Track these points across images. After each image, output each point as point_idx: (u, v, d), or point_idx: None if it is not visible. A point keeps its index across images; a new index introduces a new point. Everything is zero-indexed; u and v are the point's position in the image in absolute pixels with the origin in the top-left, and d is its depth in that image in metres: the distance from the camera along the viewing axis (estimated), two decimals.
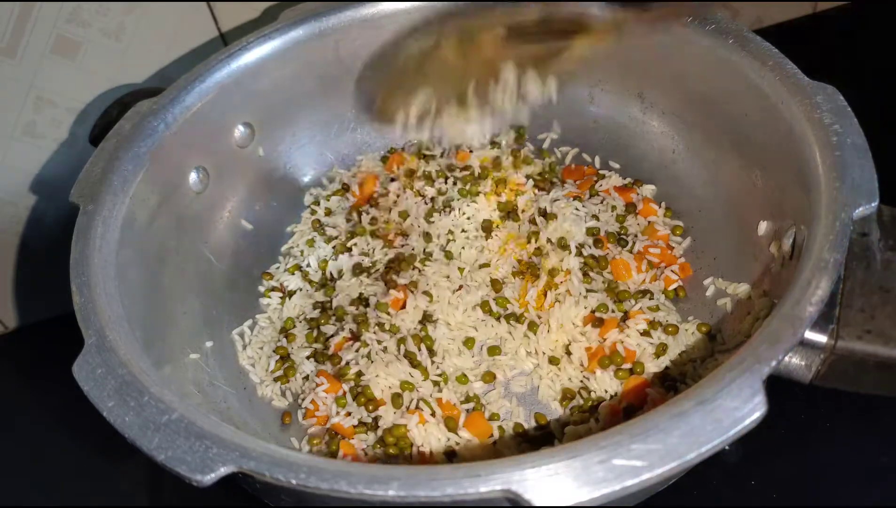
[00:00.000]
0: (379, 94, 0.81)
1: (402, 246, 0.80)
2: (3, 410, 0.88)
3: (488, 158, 0.86)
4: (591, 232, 0.78)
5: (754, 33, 0.70)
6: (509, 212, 0.82)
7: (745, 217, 0.72)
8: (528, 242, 0.80)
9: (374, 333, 0.72)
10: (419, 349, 0.71)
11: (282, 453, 0.47)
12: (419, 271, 0.78)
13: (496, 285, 0.77)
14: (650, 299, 0.74)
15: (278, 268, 0.83)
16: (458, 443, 0.66)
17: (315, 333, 0.75)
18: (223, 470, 0.46)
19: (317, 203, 0.87)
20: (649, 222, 0.80)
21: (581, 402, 0.69)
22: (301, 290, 0.80)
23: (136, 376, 0.52)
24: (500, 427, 0.68)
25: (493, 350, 0.73)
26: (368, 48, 0.84)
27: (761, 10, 1.06)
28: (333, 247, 0.82)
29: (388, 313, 0.73)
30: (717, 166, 0.77)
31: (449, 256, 0.80)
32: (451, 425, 0.67)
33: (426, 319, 0.74)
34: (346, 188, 0.88)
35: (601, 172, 0.86)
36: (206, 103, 0.75)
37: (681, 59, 0.76)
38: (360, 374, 0.70)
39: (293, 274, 0.82)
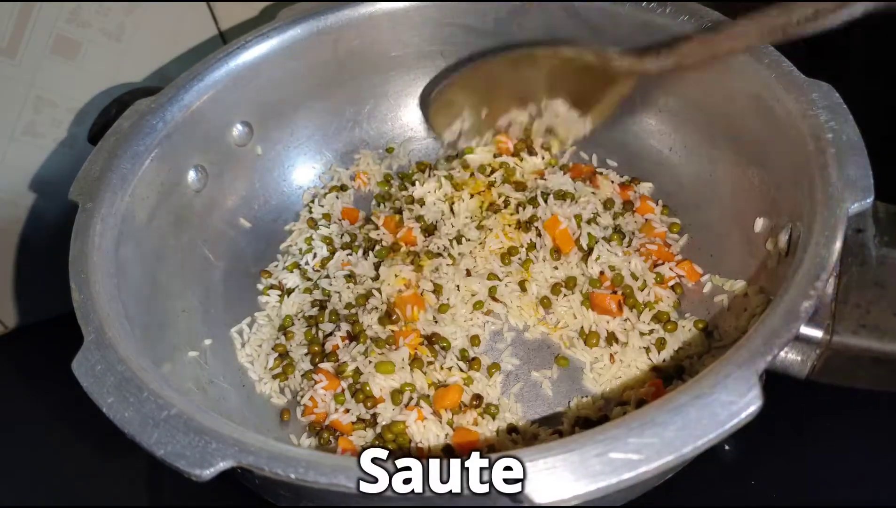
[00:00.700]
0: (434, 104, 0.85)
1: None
2: (3, 410, 0.88)
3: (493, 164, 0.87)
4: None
5: None
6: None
7: (741, 214, 0.72)
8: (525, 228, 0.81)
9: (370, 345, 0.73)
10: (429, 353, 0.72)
11: (280, 448, 0.48)
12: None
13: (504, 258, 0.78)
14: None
15: (277, 266, 0.83)
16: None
17: (314, 330, 0.76)
18: (222, 465, 0.46)
19: (313, 201, 0.88)
20: (647, 219, 0.80)
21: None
22: (299, 288, 0.80)
23: (136, 372, 0.53)
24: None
25: (492, 290, 0.76)
26: (366, 47, 0.84)
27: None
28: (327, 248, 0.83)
29: (387, 345, 0.73)
30: (714, 164, 0.77)
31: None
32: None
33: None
34: (343, 188, 0.89)
35: (599, 169, 0.86)
36: (205, 102, 0.76)
37: None
38: (358, 371, 0.70)
39: (292, 272, 0.82)
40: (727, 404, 0.45)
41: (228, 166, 0.81)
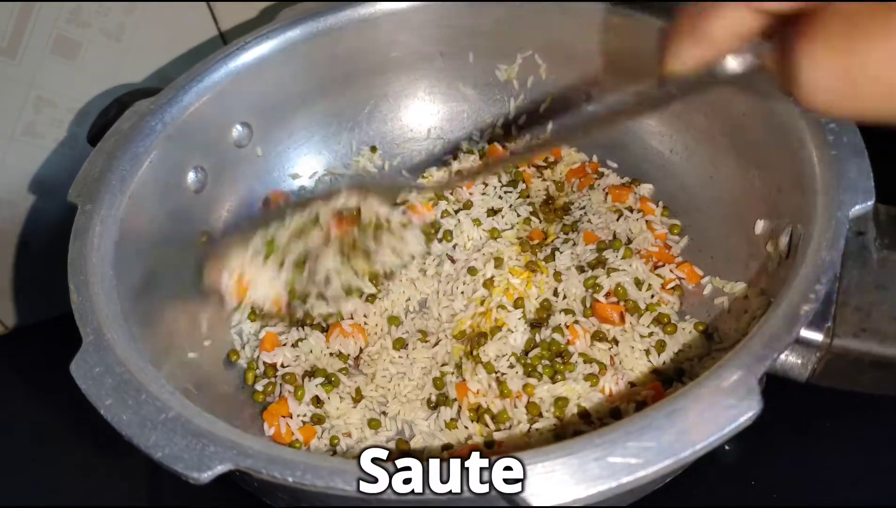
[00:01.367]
0: None
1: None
2: (2, 410, 0.88)
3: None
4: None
5: None
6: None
7: (742, 216, 0.72)
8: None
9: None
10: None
11: (278, 451, 0.47)
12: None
13: (498, 262, 0.78)
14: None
15: None
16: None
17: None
18: (220, 468, 0.46)
19: None
20: (647, 221, 0.80)
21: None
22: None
23: (134, 374, 0.53)
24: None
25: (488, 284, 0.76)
26: (366, 48, 0.84)
27: None
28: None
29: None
30: (715, 166, 0.77)
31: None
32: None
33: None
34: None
35: (599, 170, 0.86)
36: (205, 103, 0.76)
37: None
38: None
39: None
40: (726, 408, 0.45)
41: (228, 167, 0.81)
